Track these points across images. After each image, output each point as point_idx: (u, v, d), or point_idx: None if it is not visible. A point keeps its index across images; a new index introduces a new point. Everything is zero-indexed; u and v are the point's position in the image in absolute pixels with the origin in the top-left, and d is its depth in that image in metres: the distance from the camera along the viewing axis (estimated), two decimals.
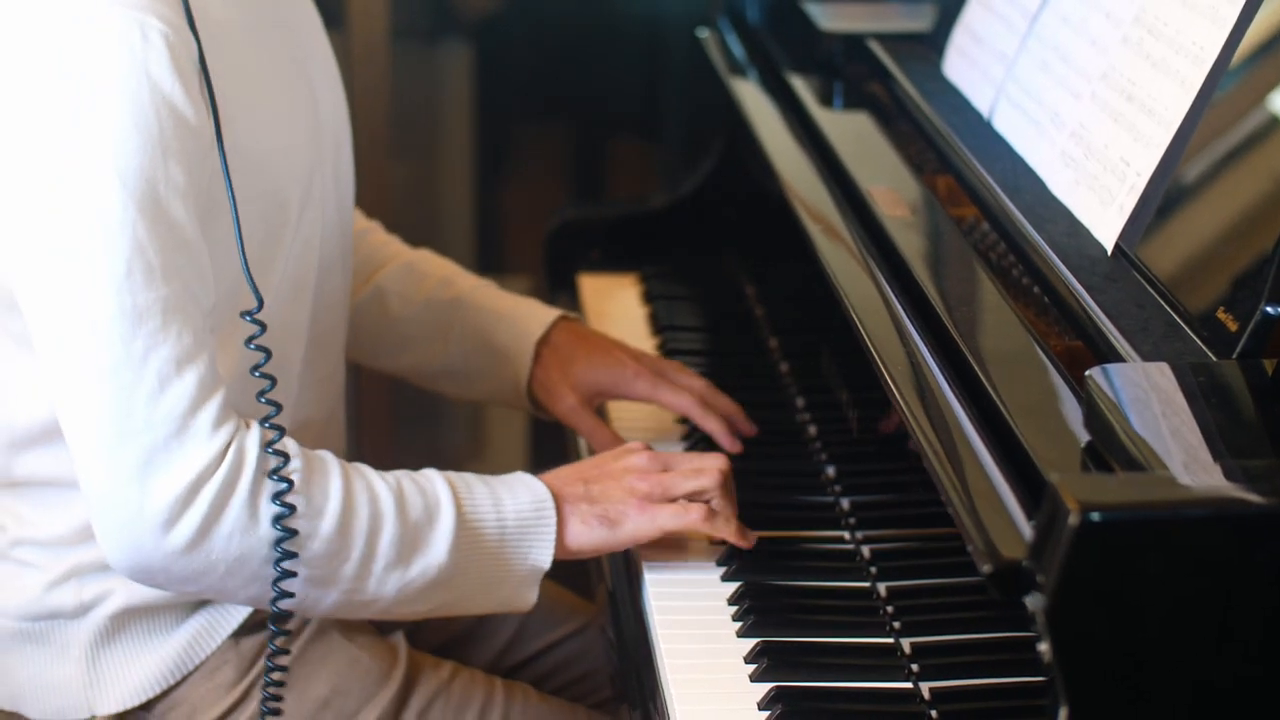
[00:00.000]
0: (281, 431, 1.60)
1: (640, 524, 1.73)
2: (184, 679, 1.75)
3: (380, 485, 1.65)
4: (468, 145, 3.73)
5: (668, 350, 2.29)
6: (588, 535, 1.73)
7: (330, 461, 1.65)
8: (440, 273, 2.11)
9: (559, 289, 2.57)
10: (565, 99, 3.79)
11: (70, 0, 1.52)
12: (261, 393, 1.61)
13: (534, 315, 2.07)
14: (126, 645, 1.73)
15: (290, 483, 1.58)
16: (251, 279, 1.60)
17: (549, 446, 2.54)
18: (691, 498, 1.75)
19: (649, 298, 2.48)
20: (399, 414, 3.48)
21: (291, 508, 1.58)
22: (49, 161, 1.52)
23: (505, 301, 2.09)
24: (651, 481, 1.74)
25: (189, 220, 1.55)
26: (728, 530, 1.76)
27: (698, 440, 2.05)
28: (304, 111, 1.77)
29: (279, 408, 1.61)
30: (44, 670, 1.74)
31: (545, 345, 2.04)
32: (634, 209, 2.69)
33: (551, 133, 3.96)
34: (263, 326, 1.61)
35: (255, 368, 1.61)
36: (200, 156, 1.57)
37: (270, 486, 1.57)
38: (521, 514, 1.70)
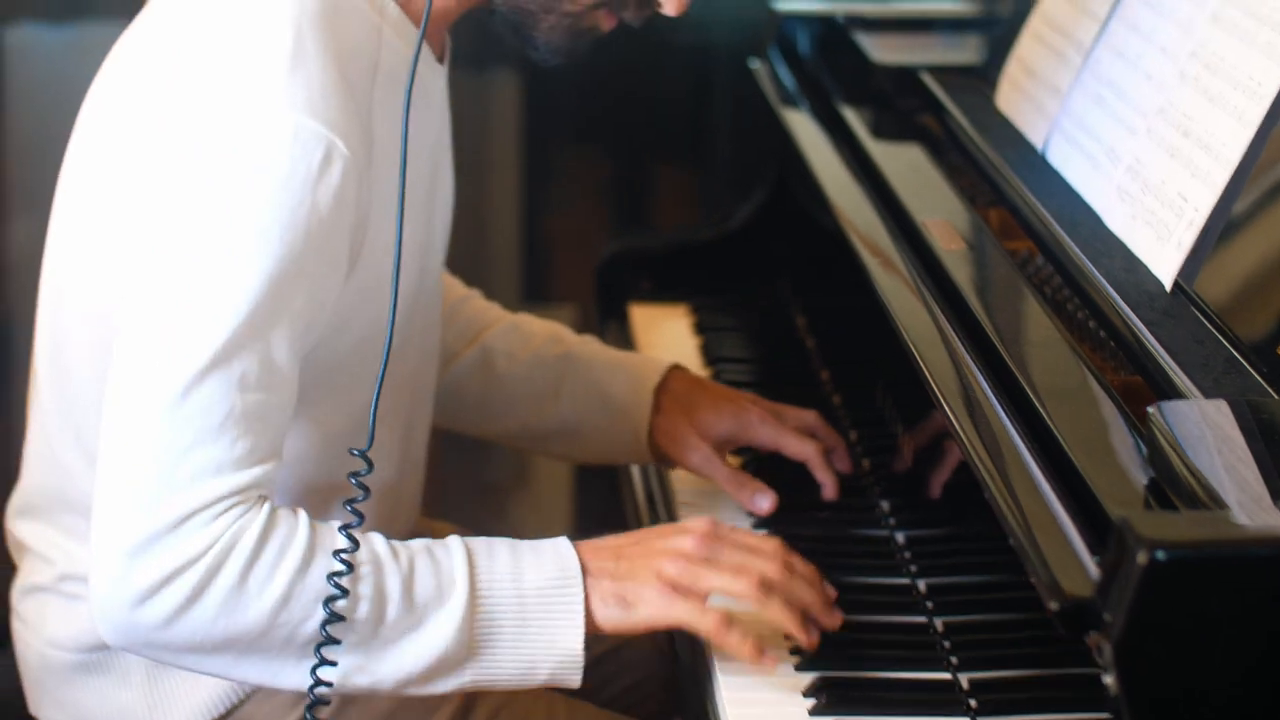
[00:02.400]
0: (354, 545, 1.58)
1: (655, 610, 1.64)
2: (246, 698, 1.75)
3: (389, 568, 1.59)
4: (515, 172, 3.74)
5: (721, 382, 2.30)
6: (603, 613, 1.63)
7: (325, 541, 1.59)
8: (546, 330, 2.10)
9: (609, 319, 2.58)
10: (612, 126, 3.80)
11: (268, 97, 1.52)
12: (349, 501, 1.59)
13: (648, 365, 2.06)
14: None
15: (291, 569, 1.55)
16: (374, 422, 1.59)
17: (595, 478, 2.54)
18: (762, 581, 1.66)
19: (700, 328, 2.49)
20: (445, 442, 3.49)
21: (287, 596, 1.55)
22: (185, 235, 1.52)
23: (617, 354, 2.08)
24: (682, 568, 1.64)
25: (289, 348, 1.55)
26: (789, 623, 1.66)
27: (751, 459, 2.07)
28: (421, 233, 1.78)
29: (361, 518, 1.59)
30: (107, 698, 1.75)
31: (664, 394, 2.02)
32: (685, 239, 2.70)
33: (598, 160, 3.97)
34: (370, 464, 1.59)
35: (349, 502, 1.59)
36: (330, 284, 1.58)
37: (264, 570, 1.54)
38: (544, 588, 1.62)
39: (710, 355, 2.41)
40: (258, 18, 1.56)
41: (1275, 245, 1.63)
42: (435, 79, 1.75)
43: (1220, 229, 1.64)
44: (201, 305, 1.51)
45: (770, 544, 1.70)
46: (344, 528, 1.56)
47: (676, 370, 2.05)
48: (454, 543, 1.64)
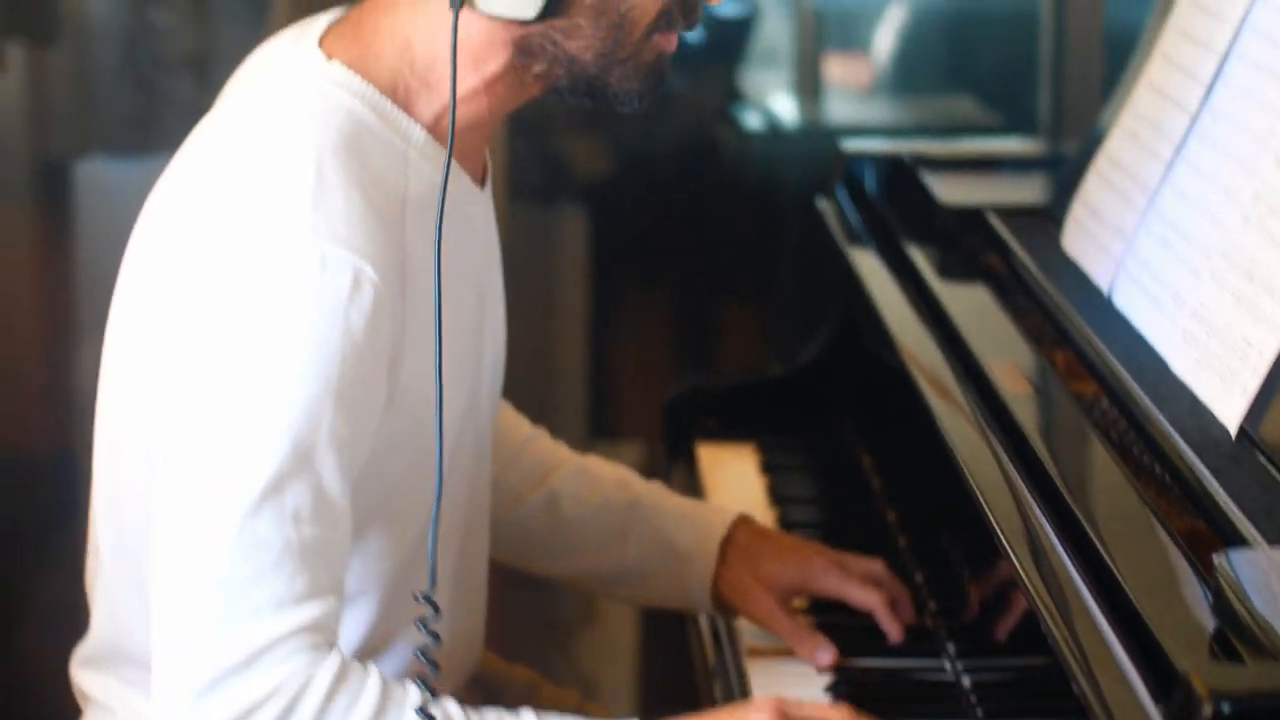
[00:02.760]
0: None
1: None
2: None
3: None
4: (582, 307, 3.77)
5: (788, 523, 2.30)
6: None
7: (395, 698, 1.58)
8: (614, 475, 2.11)
9: (676, 459, 2.58)
10: (679, 263, 3.83)
11: (293, 228, 1.53)
12: (422, 649, 1.59)
13: (714, 515, 2.06)
14: None
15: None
16: (434, 559, 1.58)
17: (662, 618, 2.54)
18: None
19: (767, 468, 2.49)
20: (510, 580, 3.49)
21: None
22: (221, 371, 1.53)
23: (683, 503, 2.09)
24: None
25: (338, 474, 1.55)
26: None
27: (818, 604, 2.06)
28: (469, 362, 1.78)
29: (437, 667, 1.59)
30: None
31: (730, 545, 2.01)
32: (752, 378, 2.71)
33: (665, 296, 4.00)
34: (436, 609, 1.58)
35: (420, 651, 1.60)
36: (370, 409, 1.59)
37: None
38: None
39: (777, 495, 2.41)
40: (279, 151, 1.58)
41: None
42: (475, 204, 1.75)
43: None
44: (245, 439, 1.52)
45: (839, 713, 1.70)
46: (419, 680, 1.56)
47: (742, 521, 2.05)
48: (526, 715, 1.63)
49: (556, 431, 2.21)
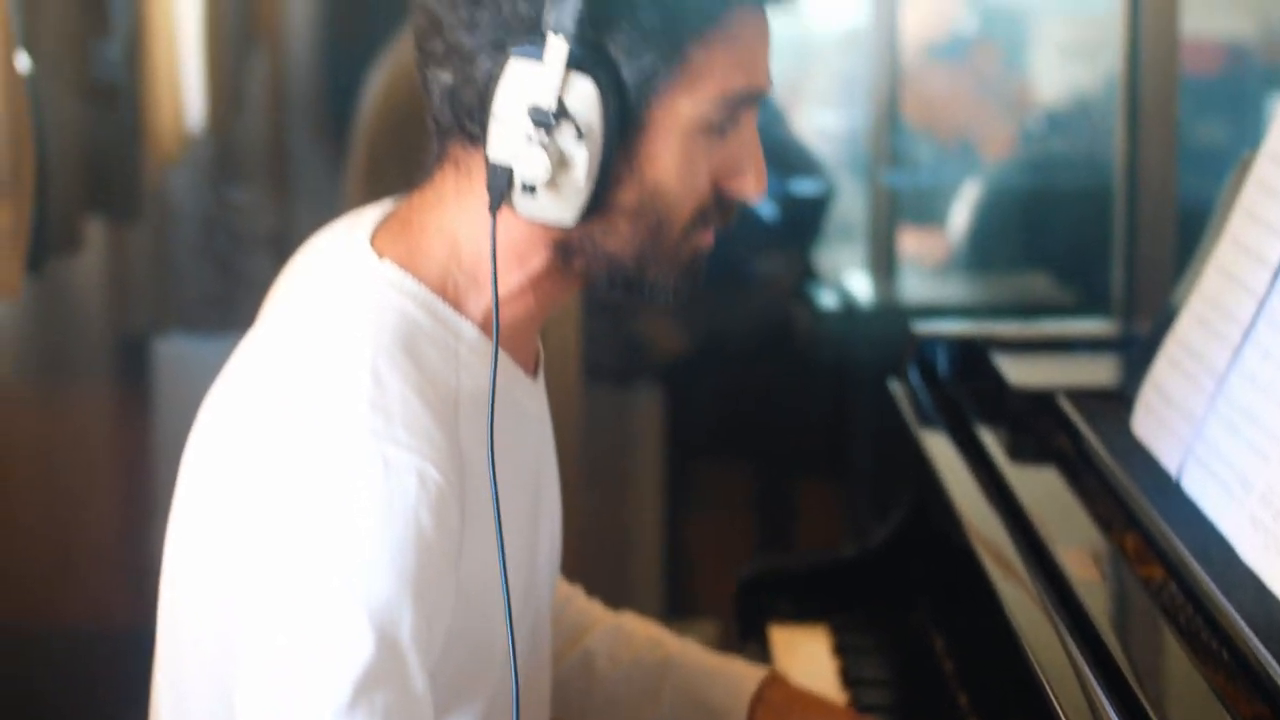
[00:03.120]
0: None
1: None
2: None
3: None
4: (657, 482, 3.79)
5: (860, 706, 2.29)
6: None
7: None
8: (647, 633, 2.13)
9: (749, 639, 2.58)
10: (755, 442, 3.85)
11: (354, 434, 1.56)
12: None
13: (746, 673, 2.08)
14: None
15: None
16: None
17: None
18: None
19: (839, 650, 2.48)
20: None
21: None
22: (303, 580, 1.54)
23: (715, 660, 2.10)
24: None
25: (421, 671, 1.56)
26: None
27: None
28: (526, 551, 1.79)
29: None
30: None
31: (760, 703, 2.04)
32: (824, 559, 2.70)
33: (741, 474, 4.02)
34: None
35: None
36: (444, 605, 1.60)
37: None
38: None
39: (849, 677, 2.40)
40: (336, 355, 1.61)
41: None
42: (527, 394, 1.78)
43: None
44: (331, 644, 1.53)
45: None
46: None
47: (773, 679, 2.07)
48: None
49: (632, 608, 2.22)
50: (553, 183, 1.59)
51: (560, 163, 1.59)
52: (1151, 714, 1.53)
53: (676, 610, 3.72)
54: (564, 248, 1.68)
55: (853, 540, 2.69)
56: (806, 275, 4.13)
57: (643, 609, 2.32)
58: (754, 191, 1.71)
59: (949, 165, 4.86)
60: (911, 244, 4.64)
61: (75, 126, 3.46)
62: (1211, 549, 1.84)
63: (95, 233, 3.64)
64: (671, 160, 1.65)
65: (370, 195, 1.88)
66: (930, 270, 4.68)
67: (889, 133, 4.42)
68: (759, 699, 2.04)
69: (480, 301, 1.70)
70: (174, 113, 3.74)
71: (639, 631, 2.14)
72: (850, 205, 4.51)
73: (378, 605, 1.53)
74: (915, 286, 4.56)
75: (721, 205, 1.71)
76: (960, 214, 4.63)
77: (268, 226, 3.67)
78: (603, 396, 3.59)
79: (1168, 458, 2.09)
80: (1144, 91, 3.25)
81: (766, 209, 3.98)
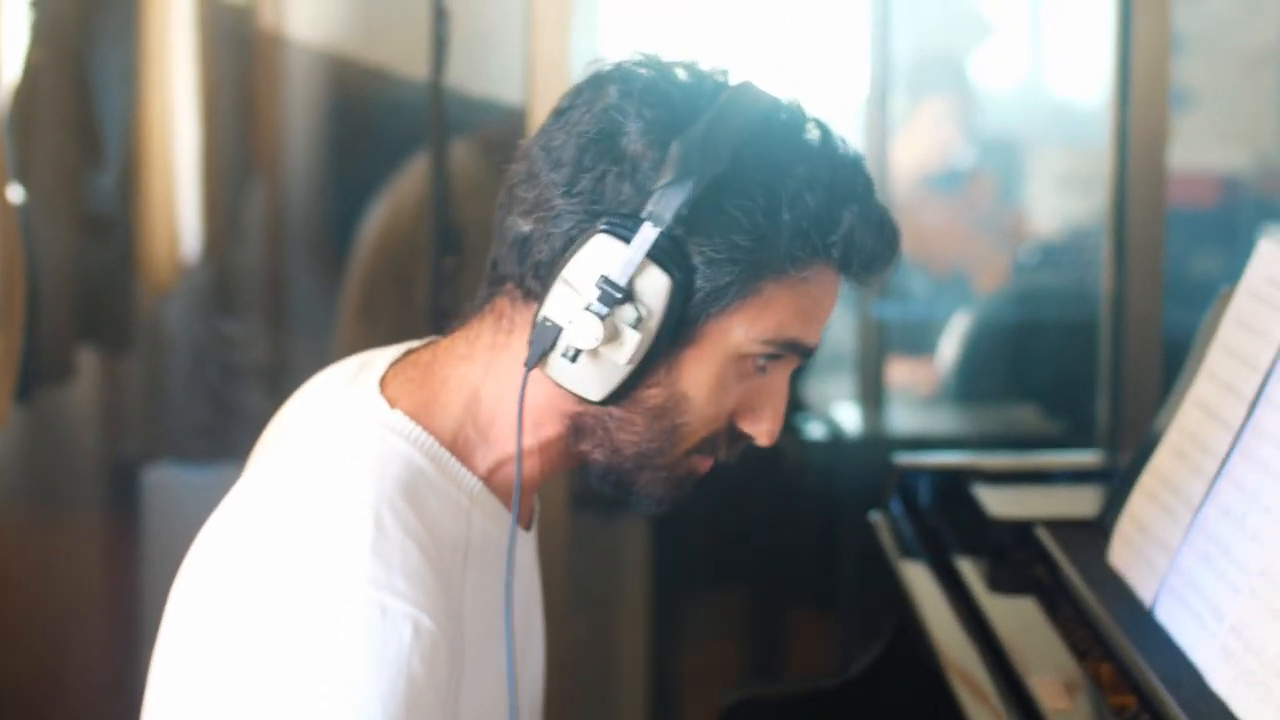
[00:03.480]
0: None
1: None
2: None
3: None
4: (644, 612, 3.79)
5: None
6: None
7: None
8: None
9: None
10: (741, 569, 3.86)
11: (352, 581, 1.57)
12: None
13: None
14: None
15: None
16: None
17: None
18: None
19: None
20: None
21: None
22: None
23: None
24: None
25: None
26: None
27: None
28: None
29: None
30: None
31: None
32: (804, 688, 2.71)
33: (729, 602, 4.02)
34: None
35: None
36: None
37: None
38: None
39: None
40: (340, 502, 1.62)
41: None
42: (521, 546, 1.78)
43: None
44: None
45: None
46: None
47: None
48: None
49: None
50: (597, 356, 1.62)
51: (610, 339, 1.61)
52: None
53: None
54: (578, 425, 1.70)
55: (832, 674, 2.68)
56: (795, 407, 4.15)
57: None
58: (767, 437, 1.75)
59: (940, 296, 4.89)
60: (901, 375, 4.66)
61: (68, 255, 3.49)
62: (1183, 679, 1.85)
63: (87, 361, 3.66)
64: (706, 377, 1.67)
65: (363, 329, 1.90)
66: (919, 401, 4.70)
67: None
68: None
69: (488, 458, 1.72)
70: (169, 242, 3.76)
71: None
72: (840, 336, 4.53)
73: None
74: (904, 418, 4.58)
75: (731, 437, 1.74)
76: (949, 347, 4.66)
77: (262, 358, 3.69)
78: (590, 526, 3.60)
79: (1143, 588, 2.10)
80: (1131, 224, 3.28)
81: None
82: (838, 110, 4.77)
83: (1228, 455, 2.02)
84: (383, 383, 1.73)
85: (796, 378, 3.87)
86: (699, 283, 1.63)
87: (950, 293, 4.90)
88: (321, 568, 1.58)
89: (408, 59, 3.49)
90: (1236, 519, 1.94)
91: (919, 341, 4.72)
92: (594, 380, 1.63)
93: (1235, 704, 1.75)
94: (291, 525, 1.62)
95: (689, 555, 3.79)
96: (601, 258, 1.60)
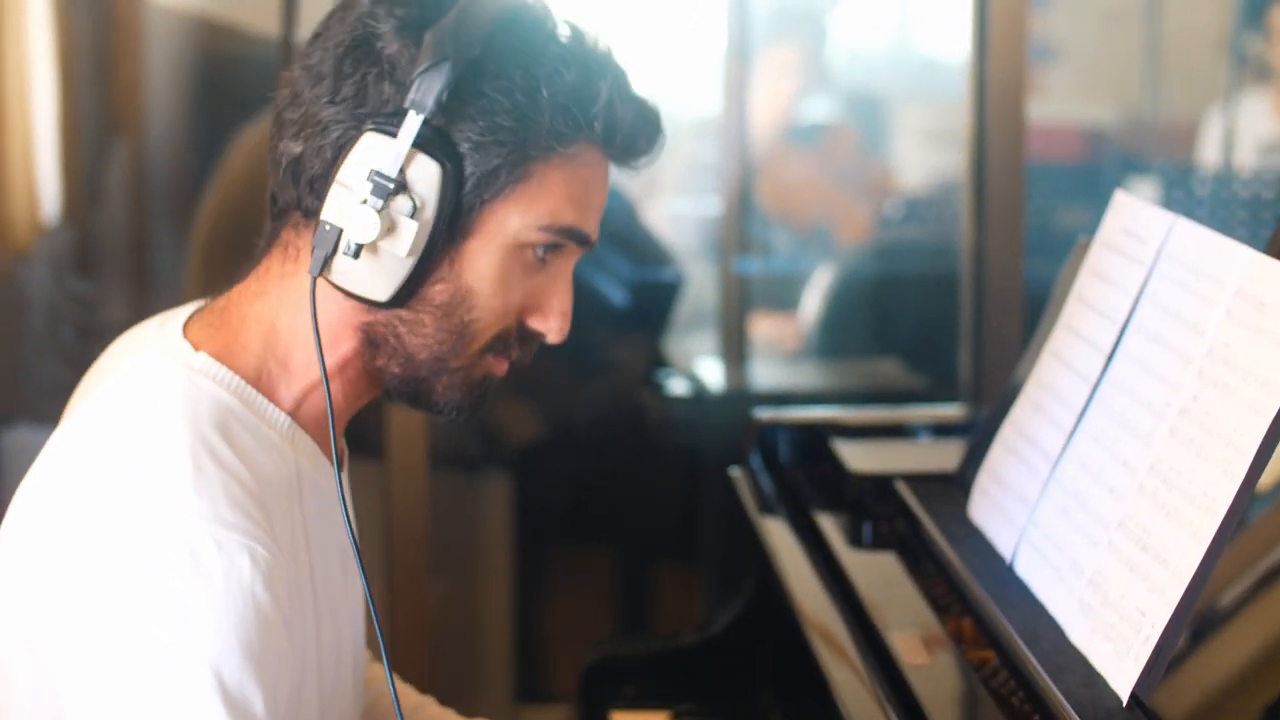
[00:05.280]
0: None
1: None
2: None
3: None
4: (507, 569, 3.78)
5: None
6: None
7: None
8: None
9: None
10: (606, 526, 3.85)
11: (181, 519, 1.56)
12: None
13: None
14: None
15: None
16: None
17: None
18: None
19: None
20: None
21: None
22: (143, 676, 1.54)
23: None
24: None
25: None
26: None
27: None
28: (345, 627, 1.83)
29: None
30: None
31: None
32: (667, 646, 2.69)
33: (595, 558, 4.01)
34: None
35: None
36: (284, 674, 1.62)
37: None
38: None
39: None
40: (154, 444, 1.61)
41: (1229, 661, 1.64)
42: (330, 482, 1.78)
43: (1176, 643, 1.64)
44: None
45: None
46: None
47: None
48: None
49: (483, 696, 2.21)
50: (378, 251, 1.63)
51: (388, 231, 1.62)
52: None
53: (528, 696, 3.69)
54: (371, 338, 1.72)
55: (695, 630, 2.66)
56: (658, 363, 4.14)
57: (494, 695, 2.31)
58: (556, 333, 1.76)
59: (803, 251, 4.89)
60: (764, 329, 4.66)
61: None
62: (1042, 633, 1.85)
63: None
64: (488, 269, 1.69)
65: (205, 288, 1.88)
66: (783, 357, 4.70)
67: (742, 219, 4.44)
68: None
69: (293, 388, 1.73)
70: (27, 204, 3.70)
71: None
72: (703, 291, 4.53)
73: (230, 686, 1.53)
74: (768, 373, 4.58)
75: (523, 336, 1.76)
76: (813, 300, 4.66)
77: (121, 319, 3.63)
78: (451, 484, 3.57)
79: (1002, 541, 2.10)
80: (991, 178, 3.28)
81: (617, 296, 3.99)
82: (698, 64, 4.77)
83: (1085, 408, 2.02)
84: (186, 330, 1.74)
85: (660, 333, 3.88)
86: (469, 169, 1.66)
87: (813, 248, 4.90)
88: (147, 512, 1.57)
89: (264, 16, 3.45)
90: (1094, 471, 1.94)
91: (781, 297, 4.73)
92: (379, 280, 1.65)
93: (1094, 657, 1.75)
94: (110, 474, 1.61)
95: (552, 512, 3.78)
96: (372, 155, 1.62)
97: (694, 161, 5.07)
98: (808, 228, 5.00)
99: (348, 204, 1.62)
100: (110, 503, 1.59)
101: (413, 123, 1.61)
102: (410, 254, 1.63)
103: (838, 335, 4.55)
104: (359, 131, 1.64)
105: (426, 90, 1.61)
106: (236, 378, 1.69)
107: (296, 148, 1.68)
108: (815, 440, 2.70)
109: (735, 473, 2.75)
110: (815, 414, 2.82)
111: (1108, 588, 1.79)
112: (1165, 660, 1.65)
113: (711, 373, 4.37)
